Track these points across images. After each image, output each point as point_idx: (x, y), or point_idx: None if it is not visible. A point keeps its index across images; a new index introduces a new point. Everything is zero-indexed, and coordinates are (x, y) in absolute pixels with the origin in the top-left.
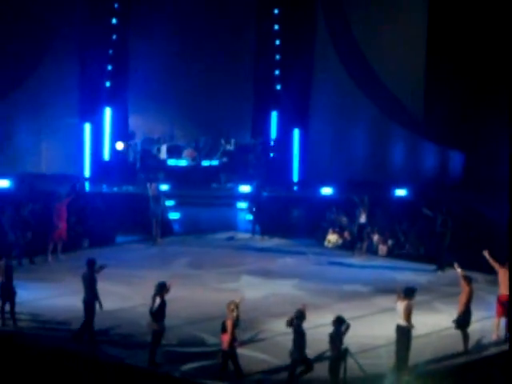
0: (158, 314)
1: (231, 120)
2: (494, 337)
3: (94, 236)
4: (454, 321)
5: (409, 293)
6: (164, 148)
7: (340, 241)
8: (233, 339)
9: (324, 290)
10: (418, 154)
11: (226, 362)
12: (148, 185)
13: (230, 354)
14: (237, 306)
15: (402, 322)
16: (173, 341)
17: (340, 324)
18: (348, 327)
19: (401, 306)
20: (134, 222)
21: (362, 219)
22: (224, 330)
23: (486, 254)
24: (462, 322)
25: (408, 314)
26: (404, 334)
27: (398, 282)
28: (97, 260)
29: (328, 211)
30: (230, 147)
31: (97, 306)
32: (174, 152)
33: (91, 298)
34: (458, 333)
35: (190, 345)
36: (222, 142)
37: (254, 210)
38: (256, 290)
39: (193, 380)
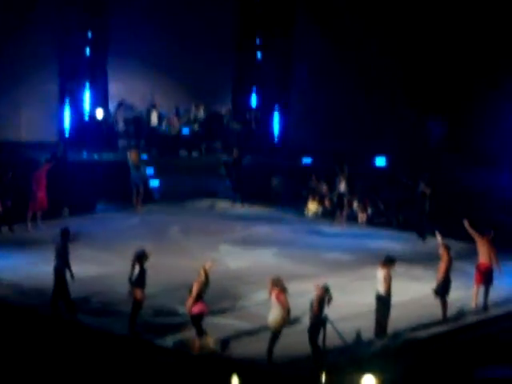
0: (138, 282)
1: (211, 88)
2: (472, 305)
3: (73, 204)
4: (433, 289)
5: (388, 261)
6: (155, 114)
7: (320, 209)
8: (194, 302)
9: (304, 258)
10: (397, 122)
11: (197, 327)
12: (128, 152)
13: (193, 317)
14: (205, 271)
15: (382, 290)
16: (149, 310)
17: (325, 293)
18: (330, 299)
19: (381, 274)
20: (115, 190)
21: (342, 187)
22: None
23: (465, 223)
24: (442, 290)
25: (388, 283)
26: (383, 301)
27: (377, 250)
28: (76, 228)
29: (308, 179)
30: (201, 115)
31: (68, 275)
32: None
33: (62, 266)
34: (437, 301)
35: (166, 314)
36: (193, 108)
37: (233, 177)
38: (236, 259)
39: (172, 348)
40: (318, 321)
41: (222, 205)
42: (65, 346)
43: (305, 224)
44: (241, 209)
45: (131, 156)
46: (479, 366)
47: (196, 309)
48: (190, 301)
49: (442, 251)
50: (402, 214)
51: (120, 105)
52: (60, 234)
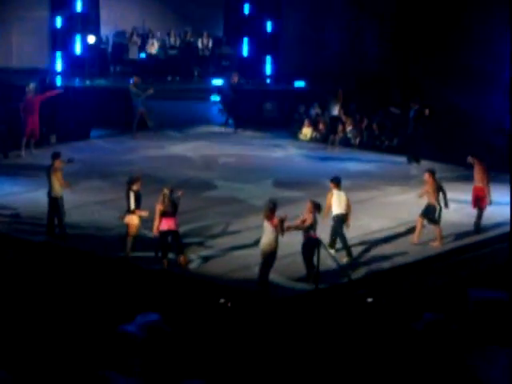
0: (133, 207)
1: (203, 11)
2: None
3: (66, 131)
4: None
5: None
6: (155, 42)
7: (314, 133)
8: (158, 224)
9: (298, 184)
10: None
11: (176, 245)
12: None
13: (159, 238)
14: (165, 194)
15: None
16: (144, 234)
17: (315, 208)
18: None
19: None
20: (110, 116)
21: (335, 111)
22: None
23: (469, 159)
24: (435, 215)
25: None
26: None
27: (370, 174)
28: (70, 154)
29: (301, 104)
30: (190, 39)
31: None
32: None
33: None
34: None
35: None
36: (185, 33)
37: (229, 102)
38: (231, 189)
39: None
40: (310, 239)
41: (215, 130)
42: (59, 270)
43: (299, 149)
44: (234, 134)
45: (133, 83)
46: (472, 287)
47: (164, 226)
48: (155, 223)
49: (426, 177)
50: (395, 137)
51: (132, 33)
52: (51, 157)
